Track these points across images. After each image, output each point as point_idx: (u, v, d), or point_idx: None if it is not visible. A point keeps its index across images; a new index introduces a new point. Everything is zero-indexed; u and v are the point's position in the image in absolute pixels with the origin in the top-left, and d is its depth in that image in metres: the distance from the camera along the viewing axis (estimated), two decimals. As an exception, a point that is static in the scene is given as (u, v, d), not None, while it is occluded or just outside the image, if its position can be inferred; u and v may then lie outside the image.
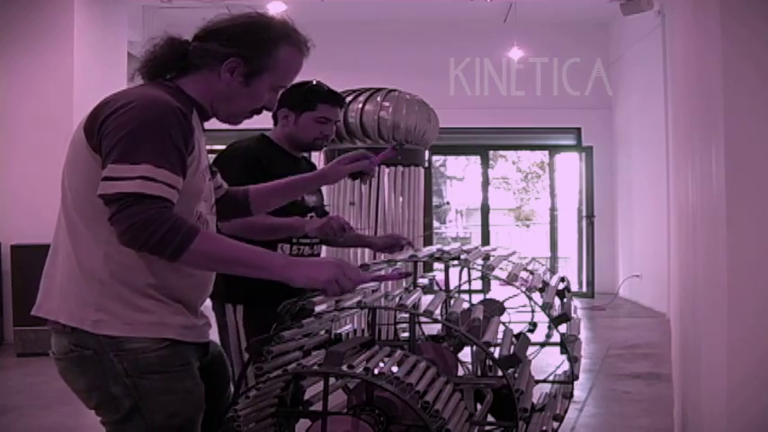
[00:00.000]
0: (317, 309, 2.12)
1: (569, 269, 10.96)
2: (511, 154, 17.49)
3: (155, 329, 1.64)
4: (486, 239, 10.48)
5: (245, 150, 2.68)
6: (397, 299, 2.11)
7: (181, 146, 1.59)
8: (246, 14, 1.78)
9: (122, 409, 1.64)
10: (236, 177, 2.52)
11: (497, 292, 3.45)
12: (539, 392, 2.38)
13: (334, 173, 2.30)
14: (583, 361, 3.07)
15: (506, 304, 2.90)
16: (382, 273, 1.93)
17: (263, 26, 1.76)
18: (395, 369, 1.82)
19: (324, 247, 2.96)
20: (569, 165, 11.00)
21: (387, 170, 5.35)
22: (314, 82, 2.76)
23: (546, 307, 2.30)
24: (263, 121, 2.86)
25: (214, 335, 1.94)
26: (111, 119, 1.57)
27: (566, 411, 2.44)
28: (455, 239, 16.76)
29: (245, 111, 1.81)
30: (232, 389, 2.00)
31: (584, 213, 10.30)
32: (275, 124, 2.80)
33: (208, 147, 1.94)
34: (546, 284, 2.51)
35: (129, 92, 1.66)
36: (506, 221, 18.22)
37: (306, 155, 3.00)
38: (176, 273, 1.67)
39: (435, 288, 2.90)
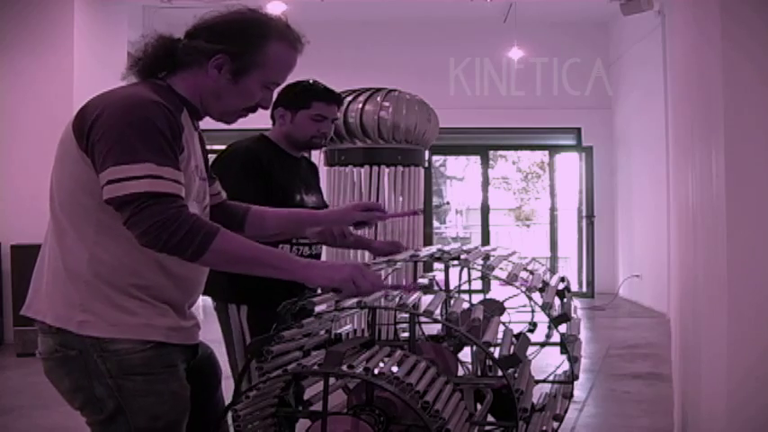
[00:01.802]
0: (317, 309, 2.12)
1: (569, 269, 10.95)
2: (511, 154, 17.48)
3: (140, 331, 1.63)
4: (486, 239, 10.47)
5: (244, 151, 2.68)
6: (397, 299, 2.11)
7: (171, 141, 1.58)
8: (237, 11, 1.75)
9: (106, 410, 1.64)
10: (235, 178, 2.52)
11: (497, 292, 3.45)
12: (539, 392, 2.38)
13: (345, 217, 2.31)
14: (583, 361, 3.07)
15: (506, 304, 2.90)
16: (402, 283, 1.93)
17: (253, 22, 1.73)
18: (395, 369, 1.82)
19: (324, 248, 2.96)
20: (569, 165, 10.99)
21: (387, 170, 5.35)
22: (310, 81, 2.76)
23: (546, 307, 2.30)
24: (262, 121, 2.87)
25: (204, 336, 1.93)
26: (101, 121, 1.56)
27: (566, 411, 2.44)
28: (455, 239, 16.75)
29: (238, 109, 1.78)
30: (224, 390, 1.99)
31: (584, 213, 10.29)
32: (274, 124, 2.80)
33: (207, 147, 1.94)
34: (546, 284, 2.51)
35: (115, 92, 1.64)
36: (506, 221, 18.21)
37: (306, 155, 3.00)
38: (163, 274, 1.66)
39: (435, 288, 2.90)
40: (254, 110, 1.80)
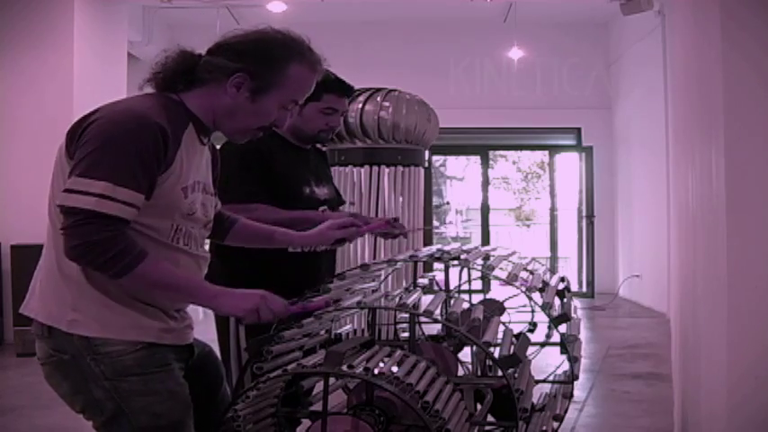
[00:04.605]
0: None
1: (569, 269, 10.95)
2: (511, 154, 17.47)
3: (130, 332, 1.65)
4: (486, 239, 10.47)
5: (246, 142, 2.64)
6: (397, 299, 2.11)
7: (150, 161, 1.59)
8: (260, 30, 1.77)
9: (106, 412, 1.66)
10: (232, 171, 2.49)
11: (497, 292, 3.45)
12: (539, 392, 2.38)
13: (323, 239, 2.30)
14: (583, 361, 3.07)
15: (506, 304, 2.90)
16: (311, 303, 1.93)
17: (275, 42, 1.74)
18: (395, 369, 1.82)
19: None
20: (569, 165, 11.00)
21: (387, 170, 5.35)
22: None
23: (546, 307, 2.30)
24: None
25: (205, 335, 1.93)
26: (87, 131, 1.59)
27: (566, 411, 2.44)
28: (455, 239, 16.75)
29: (251, 128, 1.79)
30: (227, 387, 2.00)
31: (584, 213, 10.29)
32: None
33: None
34: (546, 284, 2.51)
35: (118, 104, 1.67)
36: (506, 221, 18.20)
37: (321, 146, 2.92)
38: None
39: (435, 288, 2.89)
40: (267, 129, 1.82)
